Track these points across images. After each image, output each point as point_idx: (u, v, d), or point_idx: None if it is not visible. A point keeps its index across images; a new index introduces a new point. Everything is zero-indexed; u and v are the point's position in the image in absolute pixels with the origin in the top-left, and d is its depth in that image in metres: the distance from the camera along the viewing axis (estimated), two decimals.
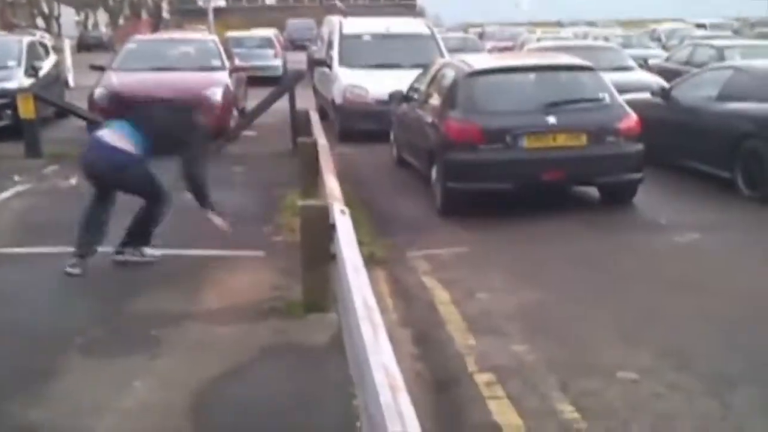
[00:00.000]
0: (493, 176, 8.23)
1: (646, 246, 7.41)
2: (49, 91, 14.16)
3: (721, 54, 15.23)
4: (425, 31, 15.17)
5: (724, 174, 9.03)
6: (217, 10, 44.52)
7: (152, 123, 6.52)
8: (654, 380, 4.73)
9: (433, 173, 8.85)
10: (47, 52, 16.92)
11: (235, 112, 13.58)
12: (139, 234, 6.66)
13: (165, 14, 56.95)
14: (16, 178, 10.13)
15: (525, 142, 8.23)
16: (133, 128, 6.41)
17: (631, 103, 9.03)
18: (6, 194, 9.40)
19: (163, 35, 21.38)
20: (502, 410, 4.44)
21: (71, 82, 19.77)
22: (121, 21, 57.13)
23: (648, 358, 5.01)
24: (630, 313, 5.77)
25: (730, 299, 5.92)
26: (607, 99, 8.73)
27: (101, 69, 13.73)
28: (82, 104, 12.75)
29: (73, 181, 9.86)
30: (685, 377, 4.74)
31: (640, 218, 8.47)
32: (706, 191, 9.10)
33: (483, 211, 8.28)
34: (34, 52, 15.48)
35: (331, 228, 5.38)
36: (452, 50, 15.99)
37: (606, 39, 23.00)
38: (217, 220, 6.61)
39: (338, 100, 13.64)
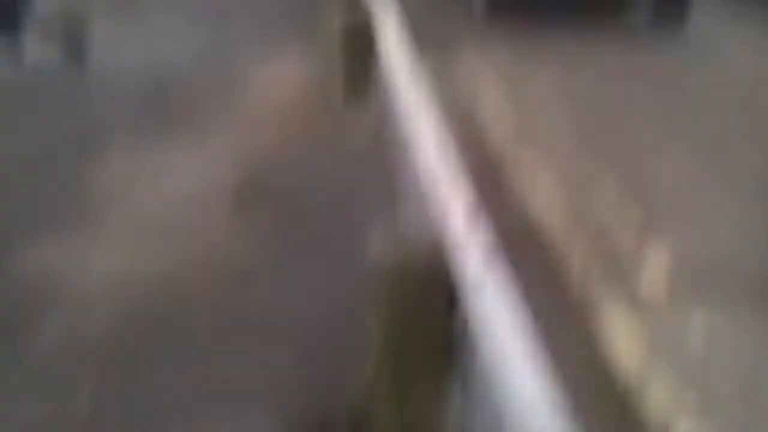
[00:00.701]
0: None
1: (694, 68, 7.12)
2: None
3: None
4: None
5: None
6: None
7: None
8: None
9: None
10: None
11: None
12: None
13: None
14: None
15: None
16: None
17: None
18: None
19: None
20: (543, 195, 4.48)
21: None
22: None
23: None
24: (687, 126, 5.66)
25: None
26: None
27: None
28: None
29: None
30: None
31: (689, 41, 8.09)
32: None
33: (521, 16, 7.99)
34: None
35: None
36: None
37: None
38: None
39: None
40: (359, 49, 5.43)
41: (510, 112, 5.69)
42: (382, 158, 4.32)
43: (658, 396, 2.98)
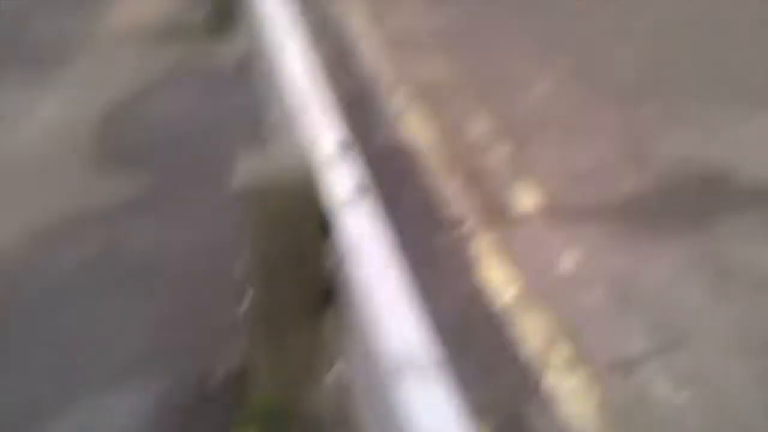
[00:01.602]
0: None
1: None
2: None
3: None
4: None
5: None
6: None
7: None
8: (568, 94, 4.77)
9: None
10: None
11: None
12: None
13: None
14: None
15: None
16: None
17: None
18: None
19: None
20: (418, 124, 4.44)
21: None
22: None
23: (565, 72, 5.01)
24: (552, 30, 5.69)
25: (652, 16, 5.85)
26: None
27: None
28: None
29: None
30: (596, 94, 4.77)
31: None
32: None
33: None
34: None
35: None
36: None
37: None
38: None
39: None
40: None
41: (384, 42, 5.59)
42: (251, 85, 4.17)
43: (534, 322, 3.02)
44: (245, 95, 4.21)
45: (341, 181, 2.24)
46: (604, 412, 2.77)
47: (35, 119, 4.35)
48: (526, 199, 3.77)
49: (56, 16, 5.69)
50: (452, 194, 3.80)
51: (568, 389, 2.84)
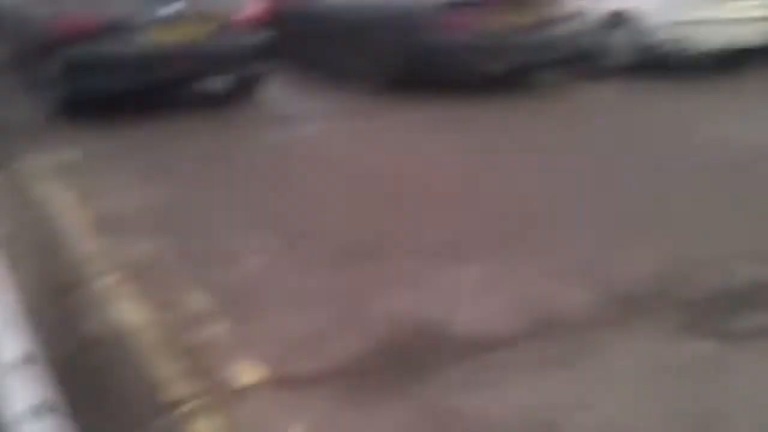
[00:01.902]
0: (112, 73, 7.71)
1: (274, 137, 7.51)
2: None
3: None
4: None
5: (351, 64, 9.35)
6: None
7: None
8: (284, 262, 4.79)
9: (41, 72, 8.08)
10: None
11: None
12: None
13: None
14: None
15: (145, 35, 7.79)
16: None
17: None
18: None
19: None
20: (130, 307, 4.22)
21: None
22: None
23: (278, 242, 5.05)
24: (265, 200, 5.79)
25: (361, 182, 6.15)
26: None
27: None
28: None
29: None
30: (311, 260, 4.83)
31: (267, 112, 8.53)
32: (337, 82, 9.41)
33: (100, 110, 7.79)
34: None
35: None
36: None
37: None
38: None
39: None
40: None
41: (90, 225, 5.38)
42: None
43: None
44: None
45: (18, 400, 1.98)
46: None
47: None
48: (248, 373, 3.64)
49: None
50: (167, 377, 3.58)
51: None
